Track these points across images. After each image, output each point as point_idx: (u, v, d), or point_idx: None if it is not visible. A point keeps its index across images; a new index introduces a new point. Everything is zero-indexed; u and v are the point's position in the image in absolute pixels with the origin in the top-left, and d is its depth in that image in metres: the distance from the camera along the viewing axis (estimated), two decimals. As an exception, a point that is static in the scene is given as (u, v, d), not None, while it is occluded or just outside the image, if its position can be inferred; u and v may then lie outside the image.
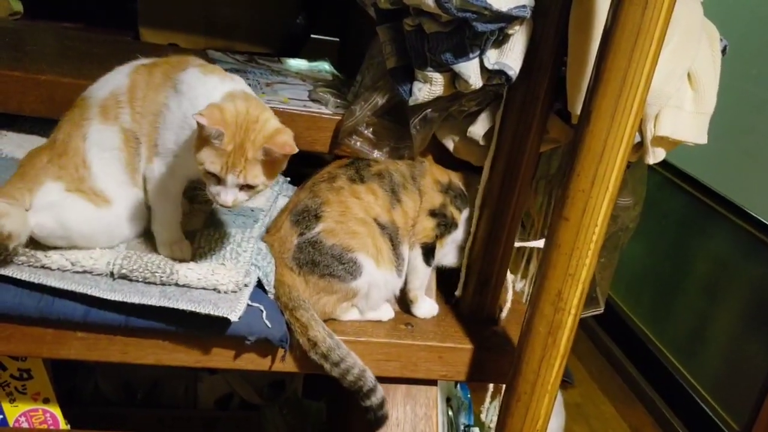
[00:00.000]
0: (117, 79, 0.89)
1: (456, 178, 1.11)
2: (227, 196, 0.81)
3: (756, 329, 2.10)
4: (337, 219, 1.00)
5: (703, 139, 0.98)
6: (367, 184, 1.04)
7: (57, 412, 1.14)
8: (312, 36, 1.72)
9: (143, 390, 1.45)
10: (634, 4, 0.76)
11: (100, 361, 0.95)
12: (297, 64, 1.40)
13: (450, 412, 1.73)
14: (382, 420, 1.00)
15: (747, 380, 2.08)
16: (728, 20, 2.30)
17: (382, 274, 1.02)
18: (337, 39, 1.74)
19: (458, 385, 1.81)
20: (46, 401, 1.14)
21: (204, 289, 0.90)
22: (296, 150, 0.81)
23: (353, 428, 1.22)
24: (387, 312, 1.07)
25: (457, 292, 1.13)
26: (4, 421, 1.12)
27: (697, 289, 2.40)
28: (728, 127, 2.30)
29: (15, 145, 1.07)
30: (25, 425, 1.13)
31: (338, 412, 1.40)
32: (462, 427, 1.73)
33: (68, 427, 1.15)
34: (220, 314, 0.87)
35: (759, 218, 2.11)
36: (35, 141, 1.08)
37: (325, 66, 1.41)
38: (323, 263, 0.98)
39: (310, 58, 1.51)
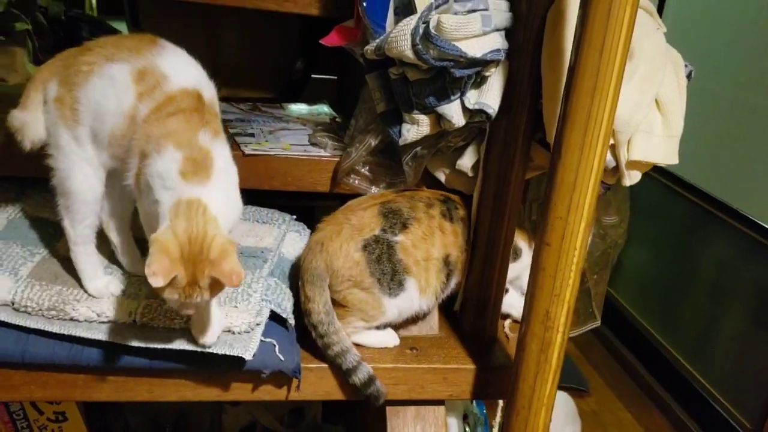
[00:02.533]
0: None
1: None
2: (188, 310, 0.87)
3: (762, 329, 2.14)
4: (416, 241, 1.07)
5: (674, 160, 1.04)
6: (454, 224, 1.12)
7: (91, 450, 1.22)
8: (312, 76, 1.81)
9: (171, 424, 1.52)
10: (592, 48, 0.84)
11: (129, 402, 1.03)
12: (298, 108, 1.48)
13: (467, 428, 1.79)
14: (373, 399, 1.05)
15: (757, 379, 2.12)
16: (716, 30, 2.37)
17: (419, 301, 1.10)
18: (336, 77, 1.82)
19: (474, 402, 1.87)
20: (80, 440, 1.22)
21: None
22: (242, 277, 0.83)
23: (370, 450, 1.29)
24: (393, 338, 1.14)
25: (456, 307, 1.20)
26: (43, 462, 1.20)
27: (703, 293, 2.45)
28: (723, 134, 2.36)
29: (39, 206, 1.15)
30: (62, 464, 1.21)
31: (356, 435, 1.47)
32: (479, 442, 1.78)
33: (102, 463, 1.23)
34: (235, 354, 0.94)
35: (758, 222, 2.16)
36: (55, 202, 1.17)
37: (324, 109, 1.49)
38: (381, 267, 1.05)
39: (311, 97, 1.59)
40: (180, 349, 0.94)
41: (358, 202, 1.11)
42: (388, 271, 1.05)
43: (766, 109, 2.16)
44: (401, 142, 1.09)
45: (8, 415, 1.18)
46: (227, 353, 0.94)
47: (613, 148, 1.03)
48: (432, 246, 1.09)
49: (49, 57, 1.62)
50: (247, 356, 0.94)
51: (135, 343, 0.94)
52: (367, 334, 1.11)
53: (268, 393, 1.05)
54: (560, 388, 2.24)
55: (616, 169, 1.06)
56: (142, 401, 1.03)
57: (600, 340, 2.89)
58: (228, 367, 0.98)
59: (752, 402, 2.13)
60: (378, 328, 1.12)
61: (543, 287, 0.95)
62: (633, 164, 1.04)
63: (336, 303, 1.05)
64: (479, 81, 1.04)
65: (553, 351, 0.96)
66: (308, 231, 1.24)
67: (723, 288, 2.34)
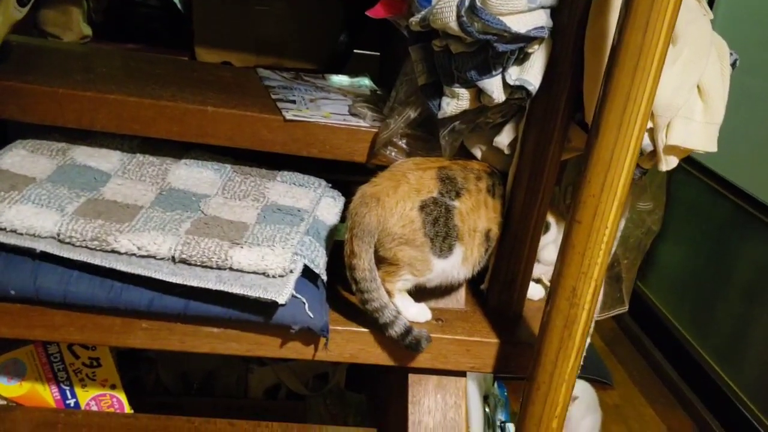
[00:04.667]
0: None
1: None
2: None
3: (794, 333, 2.12)
4: (468, 211, 1.09)
5: (712, 148, 1.04)
6: (495, 200, 1.14)
7: (123, 397, 1.27)
8: (355, 51, 1.83)
9: (199, 381, 1.57)
10: (636, 28, 0.84)
11: (162, 350, 1.07)
12: (339, 80, 1.50)
13: (487, 409, 1.81)
14: (413, 347, 1.08)
15: (785, 384, 2.10)
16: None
17: (458, 269, 1.12)
18: (378, 53, 1.83)
19: (495, 384, 1.89)
20: (112, 387, 1.26)
21: (255, 273, 0.99)
22: None
23: (390, 419, 1.32)
24: (425, 314, 1.15)
25: (484, 286, 1.21)
26: (77, 404, 1.24)
27: (737, 294, 2.42)
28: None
29: (87, 155, 1.20)
30: (94, 408, 1.25)
31: (377, 404, 1.50)
32: (498, 423, 1.80)
33: (132, 412, 1.28)
34: (269, 297, 0.97)
35: (797, 224, 2.13)
36: (104, 153, 1.22)
37: (365, 81, 1.51)
38: (436, 229, 1.07)
39: (353, 72, 1.61)
40: (215, 290, 0.97)
41: (414, 162, 1.13)
42: (442, 233, 1.07)
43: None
44: (440, 115, 1.10)
45: (46, 357, 1.22)
46: (261, 296, 0.97)
47: (652, 132, 1.03)
48: (478, 218, 1.11)
49: (102, 18, 1.68)
50: (281, 300, 0.97)
51: (172, 280, 0.97)
52: (405, 305, 1.12)
53: (296, 351, 1.08)
54: (584, 379, 2.25)
55: (654, 153, 1.06)
56: (174, 351, 1.07)
57: (627, 336, 2.89)
58: (260, 315, 1.01)
59: (779, 406, 2.11)
60: (415, 298, 1.14)
61: (571, 264, 0.96)
62: (670, 149, 1.04)
63: (385, 260, 1.07)
64: (522, 57, 1.04)
65: (578, 328, 0.97)
66: (343, 198, 1.27)
67: (758, 291, 2.32)
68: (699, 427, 2.41)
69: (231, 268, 0.99)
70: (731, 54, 1.07)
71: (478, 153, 1.20)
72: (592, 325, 1.33)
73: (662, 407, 2.50)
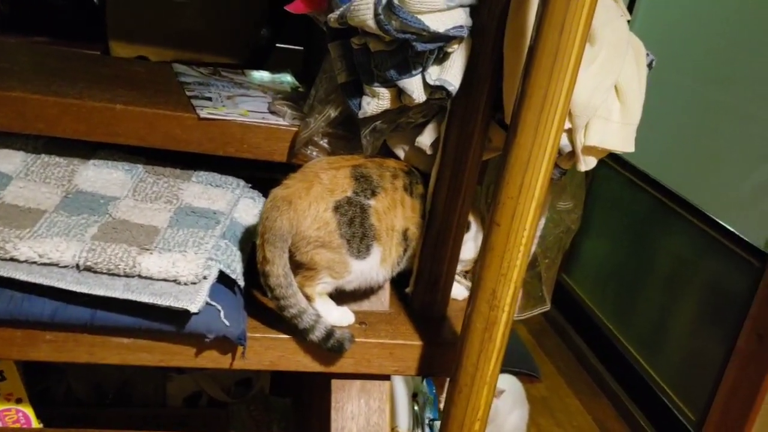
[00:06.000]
0: None
1: None
2: None
3: (711, 324, 2.19)
4: (385, 209, 1.06)
5: (630, 148, 1.05)
6: (413, 199, 1.11)
7: (30, 411, 1.20)
8: (278, 45, 1.78)
9: (114, 390, 1.50)
10: (552, 27, 0.83)
11: (69, 362, 1.01)
12: (260, 76, 1.46)
13: (416, 407, 1.80)
14: (336, 350, 1.05)
15: (703, 373, 2.17)
16: (687, 26, 2.40)
17: (377, 270, 1.09)
18: (302, 48, 1.80)
19: (424, 382, 1.89)
20: (18, 401, 1.19)
21: (165, 281, 0.95)
22: None
23: (314, 423, 1.29)
24: (349, 317, 1.12)
25: (409, 289, 1.20)
26: (-21, 421, 1.17)
27: (657, 286, 2.49)
28: (687, 129, 2.39)
29: (-15, 156, 1.13)
30: (-1, 424, 1.18)
31: (302, 409, 1.47)
32: (427, 421, 1.80)
33: (41, 426, 1.21)
34: (181, 306, 0.92)
35: (714, 218, 2.20)
36: (5, 153, 1.15)
37: (287, 78, 1.47)
38: (353, 229, 1.03)
39: (276, 67, 1.57)
40: (123, 299, 0.92)
41: (328, 161, 1.09)
42: (359, 234, 1.04)
43: (732, 106, 2.19)
44: (361, 114, 1.08)
45: (-56, 372, 1.15)
46: (172, 305, 0.92)
47: (570, 133, 1.03)
48: (395, 217, 1.09)
49: (7, 8, 1.59)
50: (193, 309, 0.92)
51: (77, 289, 0.91)
52: (327, 309, 1.09)
53: (212, 360, 1.04)
54: (512, 373, 2.28)
55: (572, 153, 1.06)
56: (82, 363, 1.01)
57: (554, 328, 2.94)
58: (172, 324, 0.96)
59: (698, 394, 2.18)
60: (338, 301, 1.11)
61: (491, 266, 0.95)
62: (589, 150, 1.05)
63: (302, 265, 1.04)
64: (441, 57, 1.03)
65: (498, 330, 0.96)
66: (263, 198, 1.23)
67: (677, 282, 2.39)
68: (622, 416, 2.47)
69: (140, 276, 0.94)
70: (648, 55, 1.08)
71: (401, 153, 1.18)
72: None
73: (587, 398, 2.55)
